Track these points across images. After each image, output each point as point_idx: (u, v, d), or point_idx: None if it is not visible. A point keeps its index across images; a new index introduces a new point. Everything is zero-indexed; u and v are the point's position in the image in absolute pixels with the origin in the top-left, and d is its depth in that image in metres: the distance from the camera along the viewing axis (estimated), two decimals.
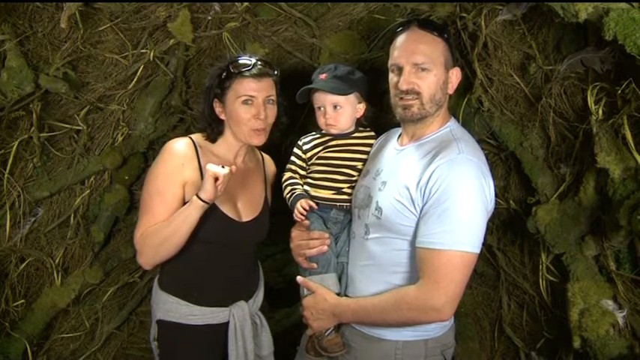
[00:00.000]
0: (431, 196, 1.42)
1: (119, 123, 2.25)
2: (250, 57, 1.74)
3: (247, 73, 1.69)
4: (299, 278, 1.71)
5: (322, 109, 1.75)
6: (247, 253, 1.88)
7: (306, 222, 1.72)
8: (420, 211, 1.45)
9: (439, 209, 1.40)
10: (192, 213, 1.60)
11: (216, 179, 1.56)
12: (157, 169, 1.71)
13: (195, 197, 1.59)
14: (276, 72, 1.77)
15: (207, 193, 1.57)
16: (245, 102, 1.70)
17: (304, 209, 1.70)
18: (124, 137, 2.28)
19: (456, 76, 1.57)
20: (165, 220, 1.64)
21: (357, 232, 1.66)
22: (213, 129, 1.78)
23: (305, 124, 2.41)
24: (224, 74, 1.72)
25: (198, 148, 1.74)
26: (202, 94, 1.84)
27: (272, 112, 1.75)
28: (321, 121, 1.77)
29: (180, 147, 1.72)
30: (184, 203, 1.66)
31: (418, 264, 1.45)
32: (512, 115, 1.93)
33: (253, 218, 1.82)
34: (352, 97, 1.75)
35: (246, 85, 1.69)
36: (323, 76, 1.75)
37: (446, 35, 1.52)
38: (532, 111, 1.86)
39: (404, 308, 1.46)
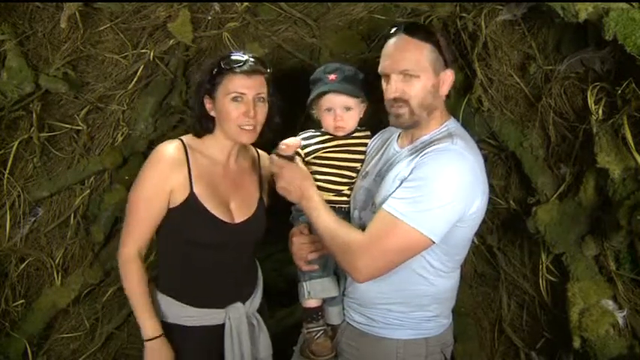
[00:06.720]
0: (413, 170, 1.41)
1: (119, 123, 2.25)
2: (244, 54, 1.71)
3: (238, 70, 1.65)
4: None
5: (332, 110, 1.71)
6: (244, 254, 1.85)
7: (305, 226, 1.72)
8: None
9: (413, 181, 1.39)
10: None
11: None
12: (145, 174, 1.67)
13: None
14: (268, 70, 1.74)
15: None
16: (234, 99, 1.66)
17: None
18: (124, 137, 2.28)
19: (448, 77, 1.52)
20: (148, 226, 1.67)
21: None
22: (202, 125, 1.74)
23: (305, 124, 2.41)
24: (215, 70, 1.68)
25: (189, 150, 1.71)
26: (194, 90, 1.81)
27: (262, 110, 1.71)
28: (329, 122, 1.72)
29: (169, 152, 1.68)
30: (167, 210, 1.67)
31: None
32: (512, 115, 1.93)
33: (247, 219, 1.79)
34: (360, 99, 1.75)
35: (236, 82, 1.66)
36: (332, 77, 1.70)
37: (433, 39, 1.48)
38: (532, 111, 1.87)
39: (341, 243, 1.45)
